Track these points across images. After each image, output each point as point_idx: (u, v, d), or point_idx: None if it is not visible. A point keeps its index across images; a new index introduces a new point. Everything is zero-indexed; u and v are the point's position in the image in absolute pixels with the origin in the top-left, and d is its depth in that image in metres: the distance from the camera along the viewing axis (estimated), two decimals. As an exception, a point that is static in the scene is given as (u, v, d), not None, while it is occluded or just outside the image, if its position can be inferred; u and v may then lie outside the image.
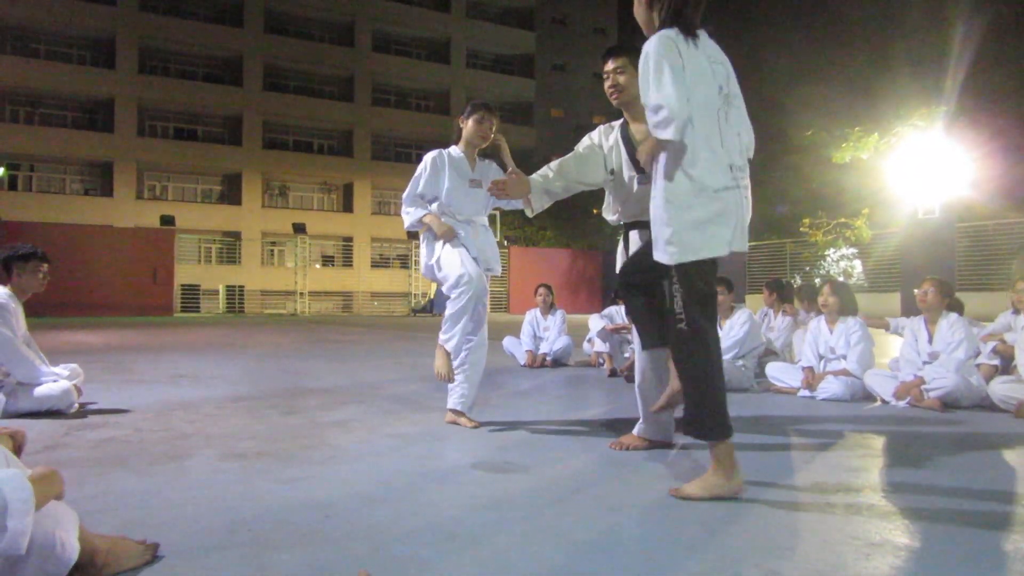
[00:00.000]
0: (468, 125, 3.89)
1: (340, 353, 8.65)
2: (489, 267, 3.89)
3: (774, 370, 5.40)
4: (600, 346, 6.64)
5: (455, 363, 3.77)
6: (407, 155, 41.09)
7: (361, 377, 6.11)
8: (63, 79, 32.22)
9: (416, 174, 3.84)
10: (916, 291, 4.87)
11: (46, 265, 4.13)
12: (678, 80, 2.42)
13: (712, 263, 2.55)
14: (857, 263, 21.50)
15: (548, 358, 6.98)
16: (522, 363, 7.05)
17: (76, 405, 4.08)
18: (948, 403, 4.41)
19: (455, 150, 3.92)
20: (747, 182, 2.60)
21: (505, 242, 28.10)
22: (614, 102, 3.25)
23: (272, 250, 37.11)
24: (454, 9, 40.81)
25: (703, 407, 2.51)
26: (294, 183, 38.65)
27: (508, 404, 4.70)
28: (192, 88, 35.05)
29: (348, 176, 38.48)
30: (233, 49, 35.75)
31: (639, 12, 2.69)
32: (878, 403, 4.73)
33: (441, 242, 3.75)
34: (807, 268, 22.11)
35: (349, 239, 36.42)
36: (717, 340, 2.58)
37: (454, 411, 3.84)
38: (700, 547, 2.02)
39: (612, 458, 3.09)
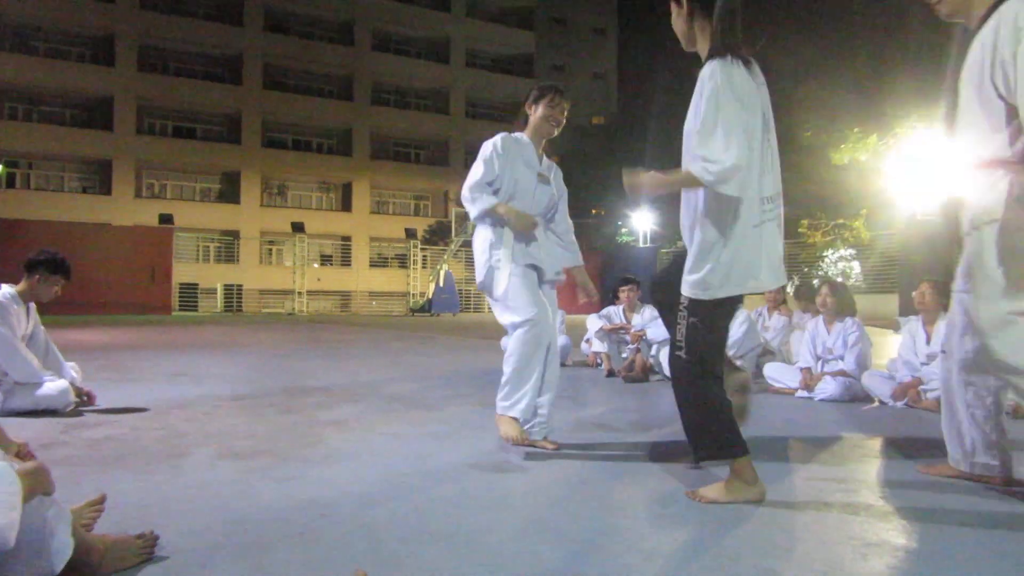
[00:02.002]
0: (538, 111, 3.37)
1: (338, 352, 8.65)
2: (557, 273, 3.41)
3: (772, 371, 5.40)
4: (598, 346, 6.63)
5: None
6: (406, 154, 41.09)
7: (359, 376, 6.11)
8: (62, 76, 32.19)
9: (484, 157, 3.29)
10: (914, 293, 4.88)
11: (64, 282, 4.14)
12: (738, 128, 2.29)
13: (732, 301, 2.45)
14: (855, 264, 21.52)
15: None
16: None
17: (73, 404, 4.07)
18: (946, 404, 4.41)
19: (523, 137, 3.41)
20: (779, 211, 2.49)
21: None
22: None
23: (270, 249, 37.09)
24: (454, 8, 40.82)
25: (708, 432, 2.45)
26: (293, 182, 38.64)
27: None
28: (191, 86, 35.03)
29: (347, 175, 38.46)
30: (233, 47, 35.73)
31: (678, 24, 2.56)
32: (876, 404, 4.73)
33: (510, 260, 3.22)
34: (805, 269, 22.12)
35: (348, 238, 36.41)
36: (713, 373, 2.48)
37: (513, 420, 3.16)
38: (698, 547, 2.02)
39: (610, 458, 3.09)
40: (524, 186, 3.31)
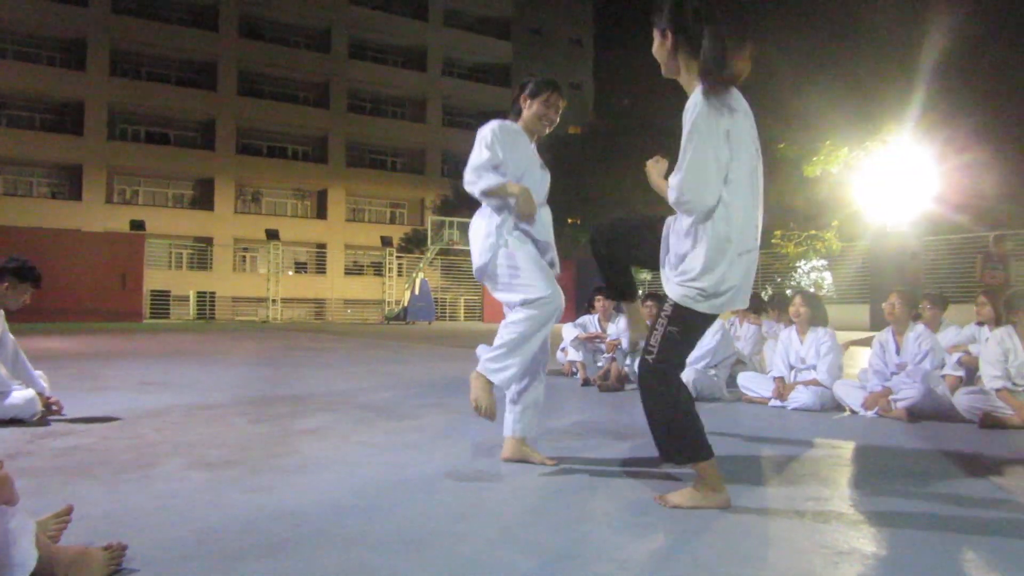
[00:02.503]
0: (532, 107, 3.20)
1: (312, 361, 8.58)
2: (553, 263, 3.23)
3: (745, 380, 5.45)
4: (573, 355, 6.65)
5: (509, 395, 3.15)
6: (382, 162, 41.00)
7: (333, 385, 6.06)
8: (32, 80, 31.74)
9: (486, 142, 3.09)
10: (884, 304, 4.96)
11: (33, 290, 4.06)
12: (716, 167, 2.33)
13: (712, 318, 2.50)
14: (827, 275, 21.81)
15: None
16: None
17: (40, 413, 3.99)
18: (915, 413, 4.48)
19: (518, 127, 3.23)
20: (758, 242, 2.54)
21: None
22: None
23: (244, 256, 36.76)
24: (431, 17, 40.89)
25: (673, 436, 2.48)
26: (267, 189, 38.36)
27: (481, 413, 4.68)
28: (165, 92, 34.70)
29: (322, 183, 38.28)
30: (207, 53, 35.47)
31: (660, 54, 2.51)
32: (847, 413, 4.79)
33: (519, 240, 3.06)
34: (778, 279, 22.37)
35: (323, 246, 36.20)
36: (679, 378, 2.53)
37: (517, 439, 3.17)
38: (671, 556, 2.03)
39: (584, 467, 3.10)
40: (530, 172, 3.18)
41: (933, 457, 3.49)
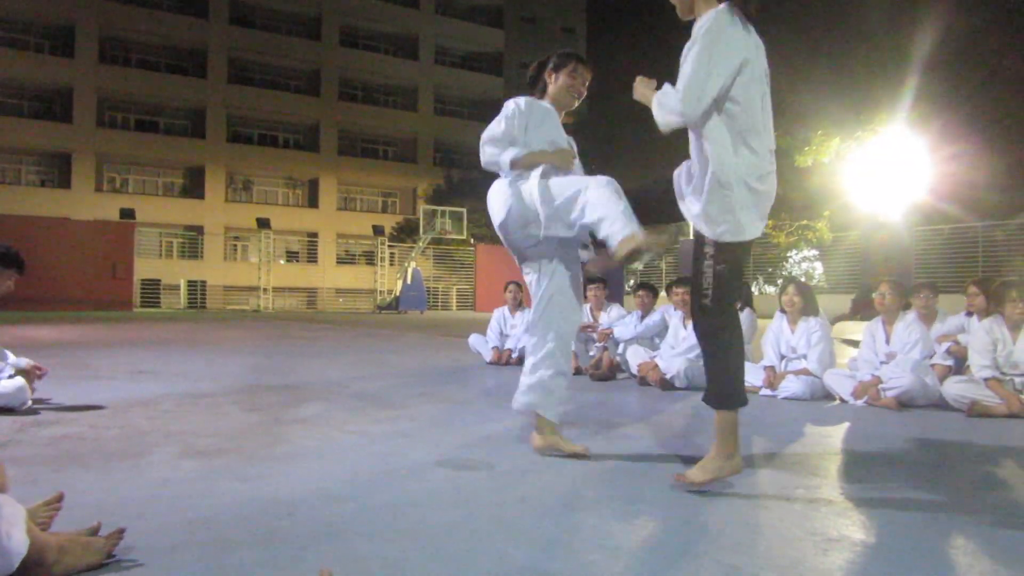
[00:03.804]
0: (559, 80, 3.14)
1: (304, 350, 8.56)
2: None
3: (736, 369, 5.47)
4: (566, 344, 6.65)
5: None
6: (374, 151, 40.84)
7: (325, 374, 6.05)
8: (19, 67, 31.43)
9: (507, 115, 3.01)
10: (874, 293, 4.98)
11: (17, 275, 4.01)
12: (716, 78, 2.39)
13: (749, 245, 2.57)
14: (818, 265, 21.91)
15: (514, 355, 6.99)
16: (488, 360, 7.06)
17: (29, 402, 3.97)
18: (904, 402, 4.51)
19: (547, 104, 3.14)
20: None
21: (472, 240, 28.09)
22: None
23: (235, 245, 36.60)
24: (423, 5, 40.66)
25: (726, 380, 2.55)
26: (258, 177, 38.18)
27: (473, 401, 4.69)
28: (154, 79, 34.44)
29: (314, 171, 38.11)
30: (197, 40, 35.19)
31: None
32: (837, 402, 4.82)
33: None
34: (770, 269, 22.46)
35: (314, 235, 36.08)
36: (737, 316, 2.62)
37: (549, 427, 3.03)
38: (662, 543, 2.04)
39: (576, 456, 3.10)
40: (560, 144, 3.06)
41: (922, 445, 3.52)
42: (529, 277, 3.10)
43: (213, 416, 3.91)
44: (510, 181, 2.99)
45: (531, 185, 2.88)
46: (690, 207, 2.58)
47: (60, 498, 1.98)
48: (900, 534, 2.13)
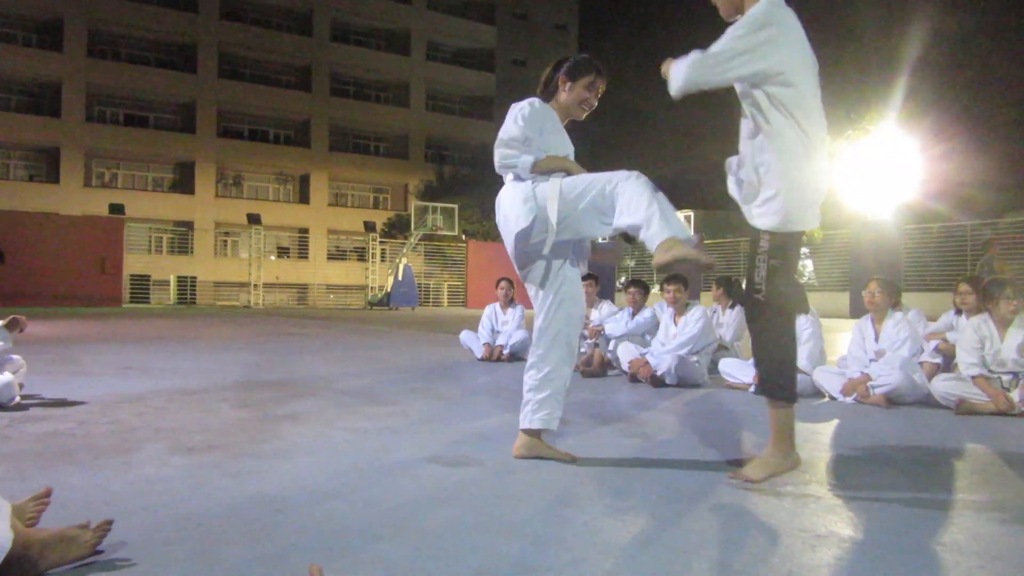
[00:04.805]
0: (573, 90, 2.99)
1: (294, 346, 8.54)
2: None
3: (727, 366, 5.49)
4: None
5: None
6: (365, 147, 40.72)
7: (315, 370, 6.04)
8: (8, 61, 31.18)
9: (524, 115, 2.89)
10: (864, 291, 5.00)
11: None
12: (746, 54, 2.40)
13: (802, 235, 2.56)
14: (808, 263, 22.00)
15: (505, 351, 6.99)
16: (479, 356, 7.06)
17: (17, 398, 3.95)
18: (892, 399, 4.54)
19: (549, 107, 3.03)
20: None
21: (463, 236, 28.07)
22: None
23: (225, 241, 36.45)
24: (414, 1, 40.53)
25: (781, 373, 2.57)
26: (249, 173, 38.02)
27: (464, 397, 4.69)
28: (144, 73, 34.24)
29: (304, 167, 37.98)
30: (187, 35, 34.99)
31: None
32: (826, 399, 4.84)
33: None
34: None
35: (305, 231, 35.97)
36: (788, 309, 2.61)
37: (533, 432, 2.91)
38: (651, 540, 2.05)
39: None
40: (563, 152, 2.96)
41: (910, 442, 3.54)
42: (534, 285, 2.94)
43: (203, 412, 3.89)
44: (531, 185, 2.84)
45: (552, 188, 2.76)
46: (745, 199, 2.58)
47: (48, 493, 1.97)
48: (888, 530, 2.15)
